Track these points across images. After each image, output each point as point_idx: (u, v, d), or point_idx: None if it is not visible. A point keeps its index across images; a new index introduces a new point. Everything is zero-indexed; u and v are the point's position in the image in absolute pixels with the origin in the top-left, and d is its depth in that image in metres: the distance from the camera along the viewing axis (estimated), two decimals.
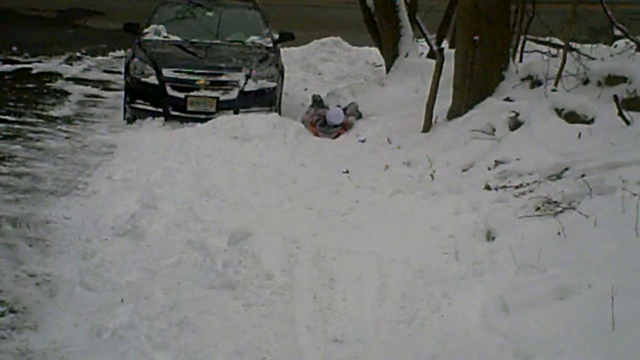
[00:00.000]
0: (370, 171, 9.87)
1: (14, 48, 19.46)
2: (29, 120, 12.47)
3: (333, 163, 10.41)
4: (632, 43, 11.33)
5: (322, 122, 12.38)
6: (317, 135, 12.11)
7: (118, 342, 5.54)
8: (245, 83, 12.54)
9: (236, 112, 12.23)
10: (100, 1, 28.61)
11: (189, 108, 12.35)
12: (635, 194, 6.42)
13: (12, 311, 5.98)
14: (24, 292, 6.30)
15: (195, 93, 12.37)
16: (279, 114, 12.71)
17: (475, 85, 10.58)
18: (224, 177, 9.53)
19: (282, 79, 13.52)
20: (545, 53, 12.49)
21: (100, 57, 20.01)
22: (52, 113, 13.17)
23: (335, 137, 12.10)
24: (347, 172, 9.87)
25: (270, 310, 6.11)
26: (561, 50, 10.49)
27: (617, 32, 12.58)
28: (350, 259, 6.99)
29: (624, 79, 9.19)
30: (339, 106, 13.10)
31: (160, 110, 12.43)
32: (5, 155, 10.18)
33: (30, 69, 17.46)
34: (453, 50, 11.69)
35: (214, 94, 12.41)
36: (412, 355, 5.53)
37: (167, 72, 12.48)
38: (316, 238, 7.63)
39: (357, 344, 5.67)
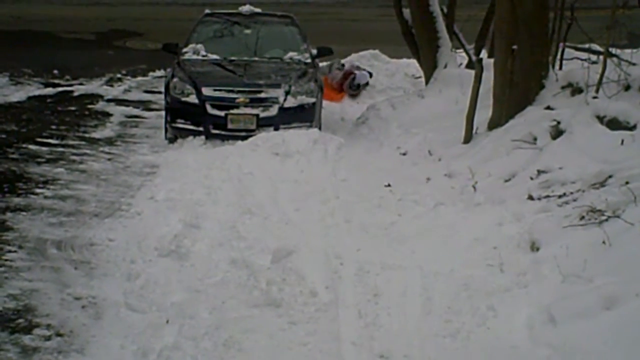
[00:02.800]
0: (411, 184, 9.83)
1: (55, 71, 19.69)
2: (71, 142, 12.59)
3: (374, 177, 10.37)
4: None
5: (349, 83, 16.14)
6: (339, 94, 14.24)
7: None
8: (285, 99, 12.56)
9: (276, 129, 12.24)
10: (139, 22, 28.90)
11: (230, 126, 12.39)
12: None
13: (58, 335, 6.01)
14: (70, 315, 6.33)
15: (235, 111, 12.40)
16: (319, 129, 12.70)
17: (515, 95, 10.52)
18: (266, 194, 9.54)
19: (322, 94, 13.52)
20: (585, 60, 12.41)
21: (140, 78, 20.19)
22: (94, 135, 13.29)
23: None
24: (389, 185, 9.83)
25: (315, 327, 6.09)
26: (601, 57, 10.42)
27: None
28: (394, 274, 6.97)
29: None
30: (363, 69, 17.42)
31: (201, 129, 12.48)
32: (49, 178, 10.27)
33: (72, 91, 17.66)
34: (492, 60, 11.63)
35: (254, 111, 12.44)
36: None
37: (206, 91, 12.53)
38: (359, 253, 7.60)
39: (403, 359, 5.64)
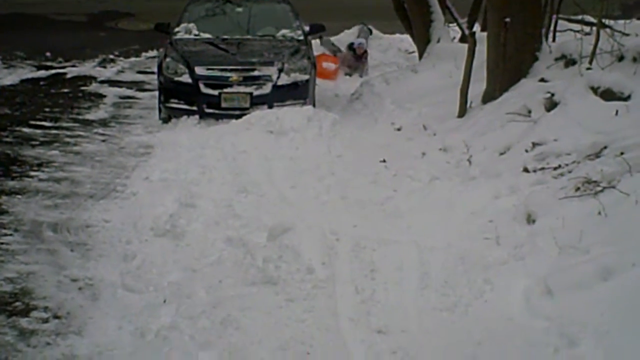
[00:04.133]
0: (407, 159, 9.82)
1: (48, 54, 19.64)
2: (65, 124, 12.58)
3: (369, 152, 10.36)
4: None
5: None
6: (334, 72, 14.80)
7: (162, 343, 5.56)
8: (278, 77, 12.54)
9: (270, 107, 12.21)
10: (130, 3, 28.79)
11: (223, 105, 12.38)
12: None
13: (56, 317, 6.01)
14: (67, 297, 6.33)
15: (228, 89, 12.40)
16: (313, 106, 12.67)
17: (509, 68, 10.49)
18: (261, 173, 9.54)
19: (315, 71, 13.49)
20: (578, 31, 12.33)
21: (133, 59, 20.16)
22: (88, 116, 13.28)
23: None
24: (384, 161, 9.82)
25: (312, 304, 6.09)
26: (594, 28, 10.37)
27: None
28: (391, 249, 6.97)
29: None
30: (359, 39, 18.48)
31: (195, 108, 12.47)
32: (44, 160, 10.26)
33: (65, 73, 17.62)
34: (485, 34, 11.60)
35: (248, 89, 12.42)
36: (457, 343, 5.49)
37: (199, 70, 12.51)
38: (355, 229, 7.61)
39: (401, 334, 5.64)
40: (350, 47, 18.03)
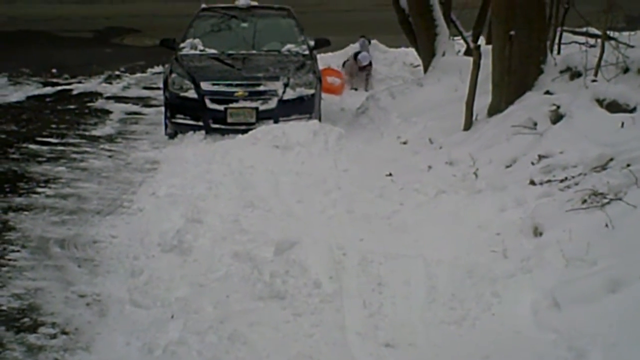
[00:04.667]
0: (413, 173, 9.81)
1: (54, 70, 19.69)
2: (71, 141, 12.61)
3: (375, 167, 10.35)
4: None
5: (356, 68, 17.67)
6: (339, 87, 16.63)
7: (170, 358, 5.56)
8: (284, 92, 12.55)
9: (276, 121, 12.22)
10: (136, 19, 28.85)
11: (229, 120, 12.39)
12: None
13: (63, 333, 6.02)
14: (75, 313, 6.34)
15: (234, 105, 12.41)
16: (319, 120, 12.68)
17: (514, 81, 10.49)
18: (268, 187, 9.53)
19: (320, 85, 13.51)
20: (583, 44, 12.37)
21: (139, 74, 20.19)
22: (94, 132, 13.30)
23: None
24: (390, 174, 9.82)
25: (320, 318, 6.09)
26: (599, 40, 10.39)
27: None
28: (398, 263, 6.96)
29: None
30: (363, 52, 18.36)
31: (201, 123, 12.49)
32: (50, 177, 10.28)
33: (71, 90, 17.67)
34: (490, 47, 11.61)
35: (253, 104, 12.44)
36: (465, 357, 5.50)
37: (205, 86, 12.53)
38: (362, 243, 7.61)
39: (408, 347, 5.65)
40: (356, 56, 18.19)
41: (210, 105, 12.44)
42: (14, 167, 10.78)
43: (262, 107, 12.44)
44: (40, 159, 11.29)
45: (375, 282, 6.61)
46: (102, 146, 12.25)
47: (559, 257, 6.35)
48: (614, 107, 8.73)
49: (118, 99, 16.72)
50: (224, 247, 7.62)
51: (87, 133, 13.21)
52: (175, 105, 12.69)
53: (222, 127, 12.38)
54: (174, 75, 12.85)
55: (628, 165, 7.25)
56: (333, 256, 7.09)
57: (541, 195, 7.75)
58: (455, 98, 11.79)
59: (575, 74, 10.19)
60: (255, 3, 15.04)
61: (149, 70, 20.64)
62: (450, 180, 9.18)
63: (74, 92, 17.40)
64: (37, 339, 5.91)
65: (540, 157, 8.54)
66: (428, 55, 14.75)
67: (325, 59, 18.65)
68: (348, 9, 29.77)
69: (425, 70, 14.86)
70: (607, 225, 6.45)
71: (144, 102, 16.45)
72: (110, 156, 11.58)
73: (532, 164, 8.53)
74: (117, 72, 20.15)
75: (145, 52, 23.21)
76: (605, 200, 6.85)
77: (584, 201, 7.05)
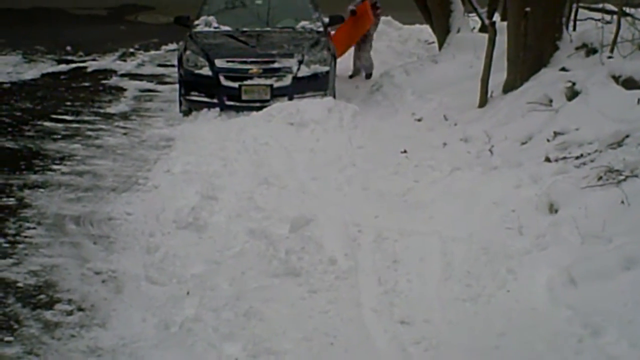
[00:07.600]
0: (428, 150, 9.79)
1: (68, 48, 19.65)
2: (86, 118, 12.61)
3: (390, 143, 10.33)
4: None
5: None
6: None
7: (186, 335, 5.59)
8: (298, 69, 12.52)
9: (291, 98, 12.21)
10: None
11: (244, 97, 12.38)
12: None
13: (80, 309, 6.06)
14: (91, 290, 6.38)
15: (249, 82, 12.39)
16: (334, 97, 12.66)
17: (529, 57, 10.45)
18: (282, 164, 9.54)
19: (335, 62, 13.47)
20: (599, 20, 12.29)
21: (153, 52, 20.13)
22: (109, 110, 13.29)
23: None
24: (405, 152, 9.80)
25: (335, 295, 6.11)
26: (615, 16, 10.33)
27: None
28: (413, 240, 6.98)
29: None
30: None
31: (215, 100, 12.47)
32: (65, 154, 10.30)
33: (85, 67, 17.63)
34: (505, 23, 11.56)
35: (268, 81, 12.42)
36: (480, 333, 5.51)
37: (219, 63, 12.51)
38: (377, 220, 7.61)
39: (424, 324, 5.66)
40: (353, 13, 16.77)
41: (225, 82, 12.42)
42: (30, 145, 10.80)
43: (276, 84, 12.42)
44: (55, 136, 11.31)
45: (391, 259, 6.63)
46: (116, 123, 12.25)
47: (574, 234, 6.34)
48: (629, 83, 8.69)
49: (132, 76, 16.69)
50: (239, 224, 7.64)
51: (101, 110, 13.21)
52: (189, 83, 12.67)
53: (237, 104, 12.36)
54: (188, 52, 12.84)
55: None
56: (348, 233, 7.11)
57: (557, 172, 7.72)
58: (470, 75, 11.75)
59: (591, 51, 10.15)
60: None
61: (163, 47, 20.58)
62: (465, 157, 9.15)
63: (89, 70, 17.37)
64: (54, 315, 5.95)
65: (556, 133, 8.52)
66: (443, 32, 14.71)
67: None
68: None
69: (440, 47, 14.81)
70: (622, 202, 6.43)
71: (158, 79, 16.42)
72: (125, 133, 11.58)
73: (548, 140, 8.51)
74: (131, 50, 20.09)
75: (160, 29, 23.14)
76: (621, 177, 6.84)
77: (600, 178, 7.03)
